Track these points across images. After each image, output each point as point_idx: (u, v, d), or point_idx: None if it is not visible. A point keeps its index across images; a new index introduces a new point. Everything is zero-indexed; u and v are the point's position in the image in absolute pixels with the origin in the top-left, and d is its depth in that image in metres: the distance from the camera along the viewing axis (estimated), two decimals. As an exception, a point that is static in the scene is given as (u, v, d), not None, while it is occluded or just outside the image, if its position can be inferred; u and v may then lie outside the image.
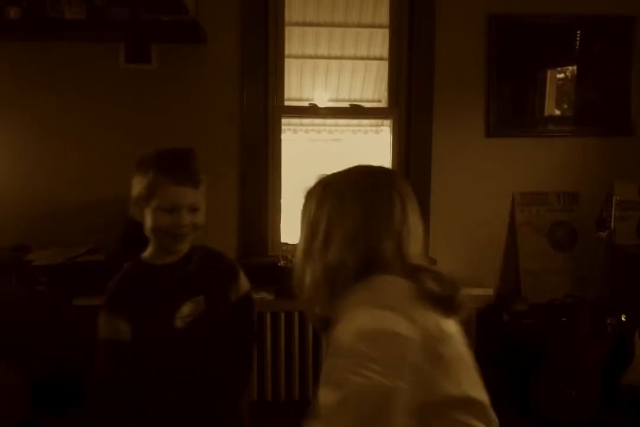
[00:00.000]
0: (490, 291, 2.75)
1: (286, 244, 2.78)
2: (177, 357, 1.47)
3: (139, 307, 1.48)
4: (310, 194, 1.18)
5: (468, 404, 1.01)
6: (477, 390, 1.04)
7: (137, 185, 1.52)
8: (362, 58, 5.19)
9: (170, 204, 1.45)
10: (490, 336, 2.73)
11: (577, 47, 2.87)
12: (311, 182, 1.21)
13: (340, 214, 1.10)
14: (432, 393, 0.96)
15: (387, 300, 1.01)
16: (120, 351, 1.47)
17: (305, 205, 1.18)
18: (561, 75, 2.92)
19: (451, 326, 1.05)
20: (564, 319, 2.55)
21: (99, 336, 1.51)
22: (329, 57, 5.20)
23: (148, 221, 1.49)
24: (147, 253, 1.55)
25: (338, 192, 1.14)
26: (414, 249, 1.12)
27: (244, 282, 1.61)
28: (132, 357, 1.46)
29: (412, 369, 0.94)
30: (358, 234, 1.09)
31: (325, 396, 0.95)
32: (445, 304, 1.04)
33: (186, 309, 1.49)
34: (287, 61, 2.89)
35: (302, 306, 1.16)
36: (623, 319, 2.55)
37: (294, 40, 4.79)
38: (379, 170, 1.20)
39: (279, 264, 2.62)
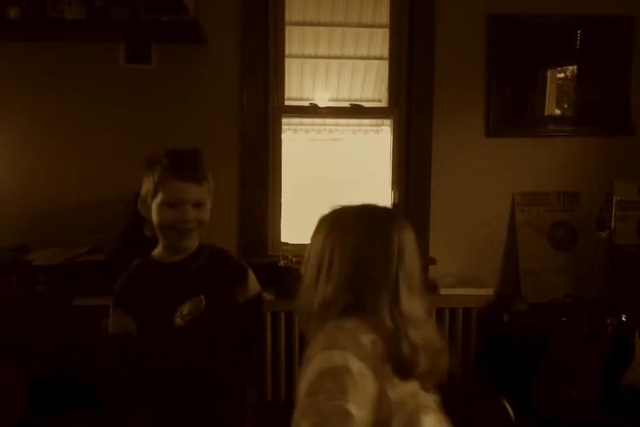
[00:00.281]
0: (490, 291, 2.75)
1: (286, 244, 2.78)
2: (178, 356, 1.48)
3: (144, 305, 1.50)
4: (321, 224, 1.26)
5: None
6: None
7: (145, 184, 1.54)
8: (362, 58, 5.19)
9: (175, 198, 1.48)
10: (490, 336, 2.73)
11: (577, 47, 2.86)
12: (325, 210, 1.28)
13: (341, 254, 1.18)
14: None
15: (343, 341, 1.09)
16: (128, 345, 1.49)
17: (316, 232, 1.26)
18: (561, 75, 2.92)
19: (421, 398, 1.12)
20: (564, 319, 2.55)
21: (109, 330, 1.54)
22: (329, 57, 5.20)
23: (154, 217, 1.51)
24: (156, 251, 1.57)
25: (343, 232, 1.21)
26: (407, 298, 1.17)
27: (253, 285, 1.61)
28: (138, 352, 1.47)
29: (367, 398, 1.03)
30: (354, 278, 1.17)
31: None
32: (401, 366, 1.10)
33: (186, 308, 1.50)
34: (287, 61, 2.89)
35: (300, 326, 1.25)
36: (623, 319, 2.54)
37: (294, 40, 4.79)
38: (383, 215, 1.26)
39: (279, 264, 2.62)
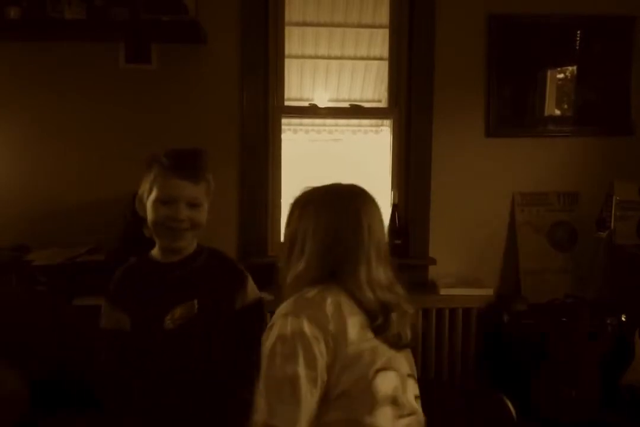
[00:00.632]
0: (490, 291, 2.75)
1: (286, 244, 2.78)
2: (173, 357, 1.47)
3: (137, 304, 1.49)
4: (293, 206, 1.37)
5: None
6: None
7: (143, 183, 1.53)
8: (362, 58, 5.19)
9: (168, 195, 1.46)
10: (490, 336, 2.73)
11: (577, 47, 2.86)
12: (297, 192, 1.38)
13: (314, 232, 1.29)
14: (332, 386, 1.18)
15: (300, 308, 1.22)
16: (120, 341, 1.48)
17: (289, 215, 1.37)
18: (561, 75, 2.92)
19: (384, 355, 1.24)
20: (564, 319, 2.55)
21: (101, 325, 1.53)
22: (329, 57, 5.20)
23: (148, 215, 1.49)
24: (154, 251, 1.56)
25: (314, 211, 1.32)
26: (376, 266, 1.30)
27: (251, 291, 1.60)
28: (131, 350, 1.47)
29: (319, 359, 1.17)
30: (325, 252, 1.28)
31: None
32: (376, 322, 1.25)
33: (178, 312, 1.48)
34: (287, 61, 2.89)
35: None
36: (623, 319, 2.54)
37: (294, 40, 4.79)
38: (349, 192, 1.37)
39: (279, 264, 2.61)
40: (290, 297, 1.27)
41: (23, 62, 2.65)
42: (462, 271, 2.85)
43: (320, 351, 1.16)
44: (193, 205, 1.48)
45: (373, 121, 5.43)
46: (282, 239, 1.36)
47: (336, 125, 5.93)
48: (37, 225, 2.66)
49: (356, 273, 1.27)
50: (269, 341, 1.20)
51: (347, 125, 5.97)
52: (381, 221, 1.36)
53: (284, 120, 2.87)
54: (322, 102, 4.96)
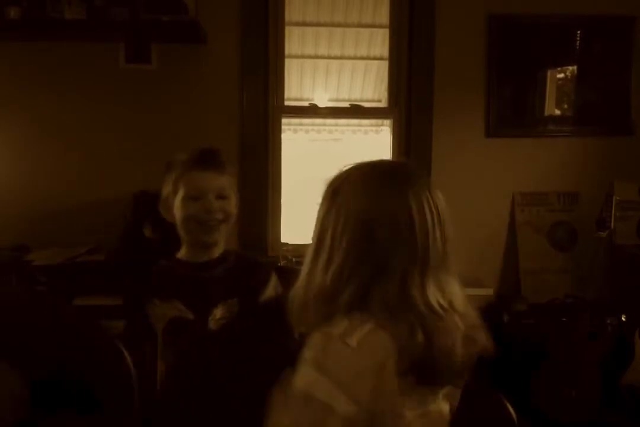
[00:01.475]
0: (490, 291, 2.75)
1: (286, 244, 2.78)
2: (214, 360, 1.40)
3: (172, 307, 1.44)
4: (324, 195, 1.03)
5: None
6: None
7: (165, 186, 1.52)
8: (362, 58, 5.18)
9: (197, 189, 1.45)
10: (490, 336, 2.73)
11: (577, 47, 2.86)
12: (332, 173, 1.05)
13: (341, 233, 0.96)
14: None
15: (339, 365, 0.90)
16: (189, 329, 1.42)
17: (321, 205, 1.03)
18: (561, 75, 2.92)
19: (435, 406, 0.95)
20: (564, 319, 2.55)
21: (164, 317, 1.45)
22: (329, 57, 5.19)
23: (177, 214, 1.47)
24: (181, 253, 1.52)
25: (344, 203, 0.97)
26: (432, 288, 0.96)
27: (271, 288, 1.55)
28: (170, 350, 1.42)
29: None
30: (361, 261, 0.94)
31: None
32: (425, 372, 0.91)
33: (219, 311, 1.44)
34: (287, 61, 2.89)
35: (290, 317, 1.04)
36: (623, 319, 2.54)
37: (294, 40, 4.79)
38: (402, 173, 1.01)
39: (279, 264, 2.62)
40: (312, 317, 0.98)
41: (23, 62, 2.65)
42: (462, 271, 2.84)
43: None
44: (222, 197, 1.47)
45: (373, 121, 5.42)
46: (304, 238, 1.12)
47: (336, 125, 5.92)
48: (37, 225, 2.66)
49: (386, 295, 0.92)
50: (295, 385, 0.92)
51: (347, 125, 5.97)
52: (440, 213, 1.01)
53: (284, 120, 2.87)
54: (322, 102, 4.96)
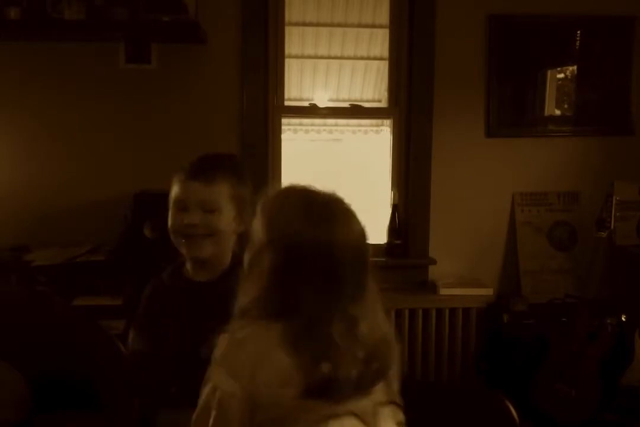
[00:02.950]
0: (490, 291, 2.75)
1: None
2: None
3: (167, 327, 1.38)
4: (260, 211, 1.11)
5: None
6: None
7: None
8: (362, 58, 5.18)
9: (179, 199, 1.38)
10: (490, 336, 2.73)
11: (577, 47, 2.86)
12: (267, 194, 1.12)
13: (274, 249, 1.05)
14: None
15: (231, 357, 1.02)
16: (150, 364, 1.36)
17: (256, 219, 1.11)
18: (561, 75, 2.92)
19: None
20: (564, 319, 2.55)
21: (129, 346, 1.42)
22: (329, 57, 5.18)
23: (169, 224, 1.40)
24: (187, 264, 1.45)
25: (279, 224, 1.06)
26: (339, 323, 1.02)
27: None
28: (159, 375, 1.34)
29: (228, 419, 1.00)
30: (282, 280, 1.03)
31: None
32: (320, 392, 1.00)
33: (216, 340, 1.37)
34: (287, 61, 2.89)
35: None
36: (623, 319, 2.54)
37: (294, 40, 4.78)
38: (324, 203, 1.07)
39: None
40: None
41: (23, 62, 2.65)
42: (462, 271, 2.85)
43: (235, 410, 1.00)
44: (209, 210, 1.36)
45: (373, 121, 5.40)
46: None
47: (336, 125, 5.91)
48: (37, 225, 2.66)
49: (292, 327, 1.00)
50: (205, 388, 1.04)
51: (347, 125, 5.95)
52: (364, 244, 1.07)
53: (284, 120, 2.87)
54: (322, 102, 4.95)
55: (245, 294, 1.08)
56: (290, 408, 0.99)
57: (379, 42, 4.71)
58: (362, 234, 1.08)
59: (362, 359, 1.03)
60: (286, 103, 2.94)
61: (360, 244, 1.07)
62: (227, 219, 1.39)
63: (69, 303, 2.36)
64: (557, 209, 2.91)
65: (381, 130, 3.83)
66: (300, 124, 5.58)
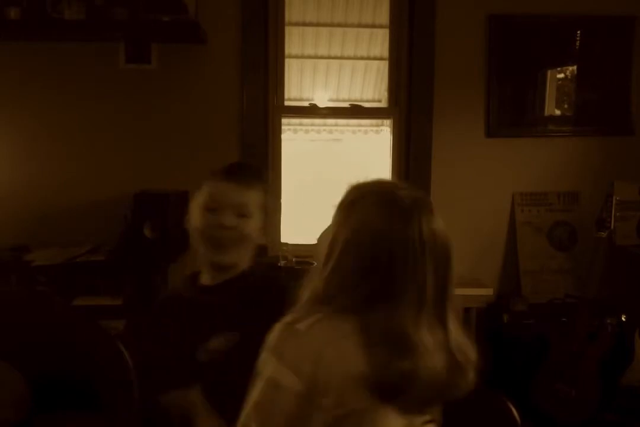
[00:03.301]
0: (490, 291, 2.75)
1: (286, 244, 2.78)
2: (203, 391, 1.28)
3: (168, 329, 1.36)
4: (338, 207, 1.07)
5: None
6: None
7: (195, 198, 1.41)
8: (362, 58, 5.18)
9: (214, 200, 1.34)
10: (490, 336, 2.73)
11: (577, 47, 2.86)
12: (347, 186, 1.08)
13: (348, 246, 1.00)
14: None
15: (292, 349, 0.98)
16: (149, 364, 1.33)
17: (334, 215, 1.07)
18: (561, 75, 2.92)
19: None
20: (564, 319, 2.55)
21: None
22: (329, 57, 5.19)
23: (192, 224, 1.36)
24: (202, 271, 1.43)
25: (357, 220, 1.02)
26: (424, 329, 0.99)
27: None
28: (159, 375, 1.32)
29: (283, 416, 0.97)
30: (358, 281, 0.99)
31: None
32: (382, 391, 0.95)
33: (213, 343, 1.30)
34: (287, 61, 2.89)
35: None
36: (623, 319, 2.55)
37: (294, 40, 4.78)
38: (409, 203, 1.02)
39: (278, 264, 2.62)
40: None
41: (23, 62, 2.65)
42: (462, 270, 2.83)
43: (291, 405, 0.96)
44: (241, 215, 1.34)
45: (373, 121, 5.41)
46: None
47: (336, 125, 5.91)
48: (37, 225, 2.66)
49: (376, 324, 0.96)
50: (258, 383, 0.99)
51: (347, 125, 5.96)
52: (444, 234, 1.02)
53: (284, 120, 2.87)
54: (322, 102, 4.95)
55: (312, 286, 1.03)
56: (356, 407, 0.95)
57: (379, 42, 4.72)
58: (445, 230, 1.03)
59: (445, 367, 1.00)
60: (286, 103, 2.95)
61: (445, 242, 1.02)
62: (256, 227, 1.38)
63: (69, 303, 2.36)
64: (557, 209, 2.91)
65: (381, 130, 3.84)
66: (300, 124, 5.59)
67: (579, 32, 2.85)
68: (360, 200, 1.05)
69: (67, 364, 1.77)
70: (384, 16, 3.22)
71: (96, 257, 2.50)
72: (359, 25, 4.66)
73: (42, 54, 2.64)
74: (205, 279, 1.40)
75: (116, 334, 2.10)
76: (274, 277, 1.47)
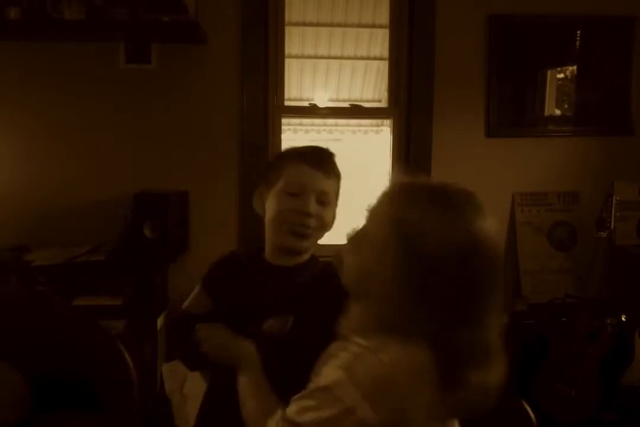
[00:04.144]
0: (490, 291, 2.75)
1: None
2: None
3: (226, 297, 1.34)
4: (385, 201, 1.01)
5: None
6: None
7: (263, 179, 1.38)
8: (362, 58, 5.18)
9: (298, 184, 1.30)
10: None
11: (577, 47, 2.86)
12: (395, 180, 1.02)
13: (410, 251, 0.93)
14: None
15: (368, 378, 0.91)
16: (190, 324, 1.30)
17: (377, 208, 1.02)
18: (561, 75, 2.92)
19: None
20: (564, 319, 2.55)
21: (183, 306, 1.39)
22: (329, 57, 5.19)
23: (269, 208, 1.33)
24: (267, 249, 1.39)
25: (413, 219, 0.95)
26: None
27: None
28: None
29: None
30: (429, 306, 0.92)
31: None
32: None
33: (268, 323, 1.29)
34: (287, 61, 2.89)
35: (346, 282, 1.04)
36: (623, 319, 2.55)
37: (294, 40, 4.79)
38: (464, 200, 1.00)
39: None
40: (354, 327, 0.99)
41: (23, 62, 2.65)
42: (462, 270, 2.85)
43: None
44: (322, 202, 1.32)
45: (373, 121, 5.41)
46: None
47: (336, 125, 5.91)
48: (37, 225, 2.66)
49: (465, 339, 0.93)
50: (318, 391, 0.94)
51: (347, 125, 5.96)
52: (495, 236, 0.99)
53: (284, 120, 2.87)
54: (322, 102, 4.96)
55: (376, 303, 0.96)
56: None
57: (379, 42, 4.72)
58: (495, 232, 0.98)
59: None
60: (286, 103, 2.95)
61: (497, 244, 0.98)
62: (333, 215, 1.37)
63: (69, 303, 2.36)
64: (557, 209, 2.91)
65: (381, 130, 3.83)
66: (300, 124, 5.59)
67: (579, 32, 2.85)
68: (412, 195, 0.99)
69: (67, 364, 1.77)
70: (384, 16, 3.22)
71: (96, 257, 2.50)
72: (359, 25, 4.67)
73: (42, 54, 2.64)
74: (273, 259, 1.38)
75: (116, 334, 2.11)
76: (334, 268, 1.46)
